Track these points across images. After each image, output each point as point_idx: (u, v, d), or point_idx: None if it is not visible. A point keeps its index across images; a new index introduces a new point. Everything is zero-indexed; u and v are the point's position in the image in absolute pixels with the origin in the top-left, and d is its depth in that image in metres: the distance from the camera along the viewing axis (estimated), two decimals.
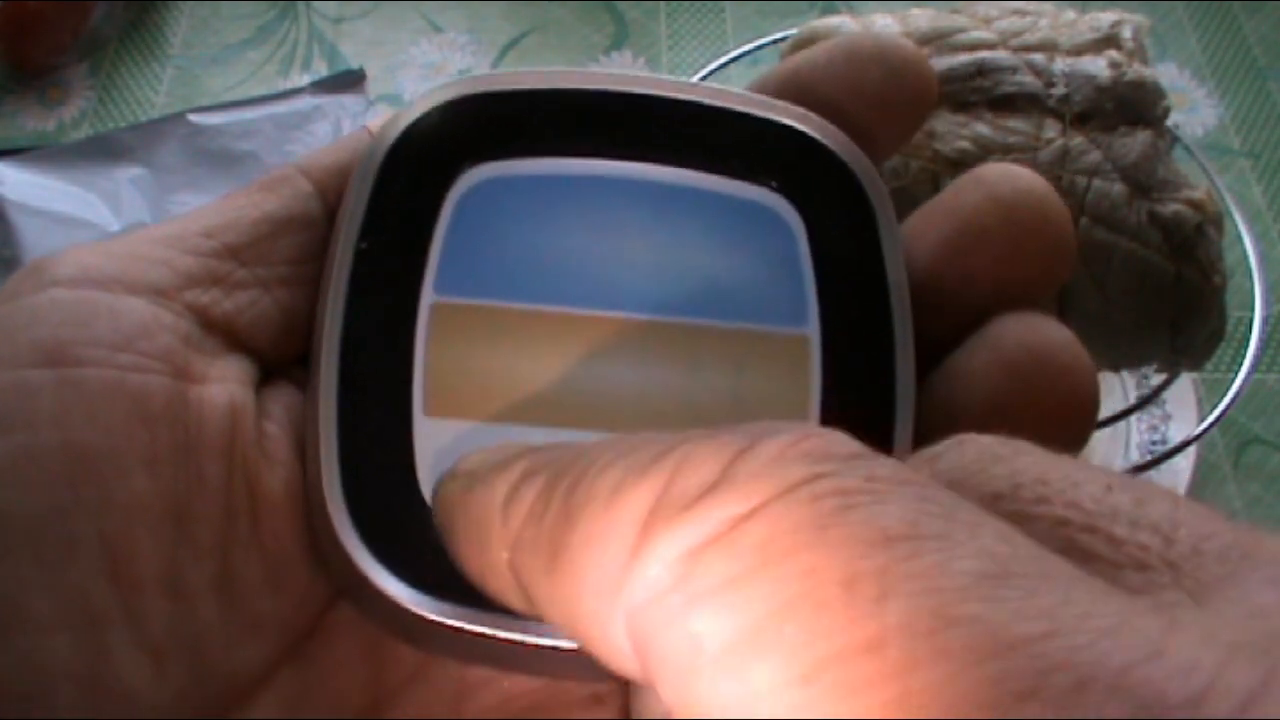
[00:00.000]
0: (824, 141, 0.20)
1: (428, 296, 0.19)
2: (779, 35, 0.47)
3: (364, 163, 0.19)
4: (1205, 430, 0.42)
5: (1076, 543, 0.12)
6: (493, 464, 0.16)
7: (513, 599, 0.15)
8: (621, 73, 0.21)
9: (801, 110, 0.20)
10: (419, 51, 0.65)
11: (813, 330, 0.20)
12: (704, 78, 0.49)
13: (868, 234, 0.20)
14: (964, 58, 0.37)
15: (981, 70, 0.37)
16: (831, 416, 0.19)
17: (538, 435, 0.19)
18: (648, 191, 0.20)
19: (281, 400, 0.19)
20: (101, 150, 0.57)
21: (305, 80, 0.62)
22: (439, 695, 0.19)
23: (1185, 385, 0.51)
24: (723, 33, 0.66)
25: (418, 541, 0.18)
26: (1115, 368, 0.40)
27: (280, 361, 0.19)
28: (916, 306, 0.19)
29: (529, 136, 0.20)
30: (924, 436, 0.19)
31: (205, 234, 0.19)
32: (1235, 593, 0.11)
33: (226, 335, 0.19)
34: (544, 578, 0.14)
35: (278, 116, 0.60)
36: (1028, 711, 0.10)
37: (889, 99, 0.21)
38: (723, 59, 0.49)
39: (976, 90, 0.37)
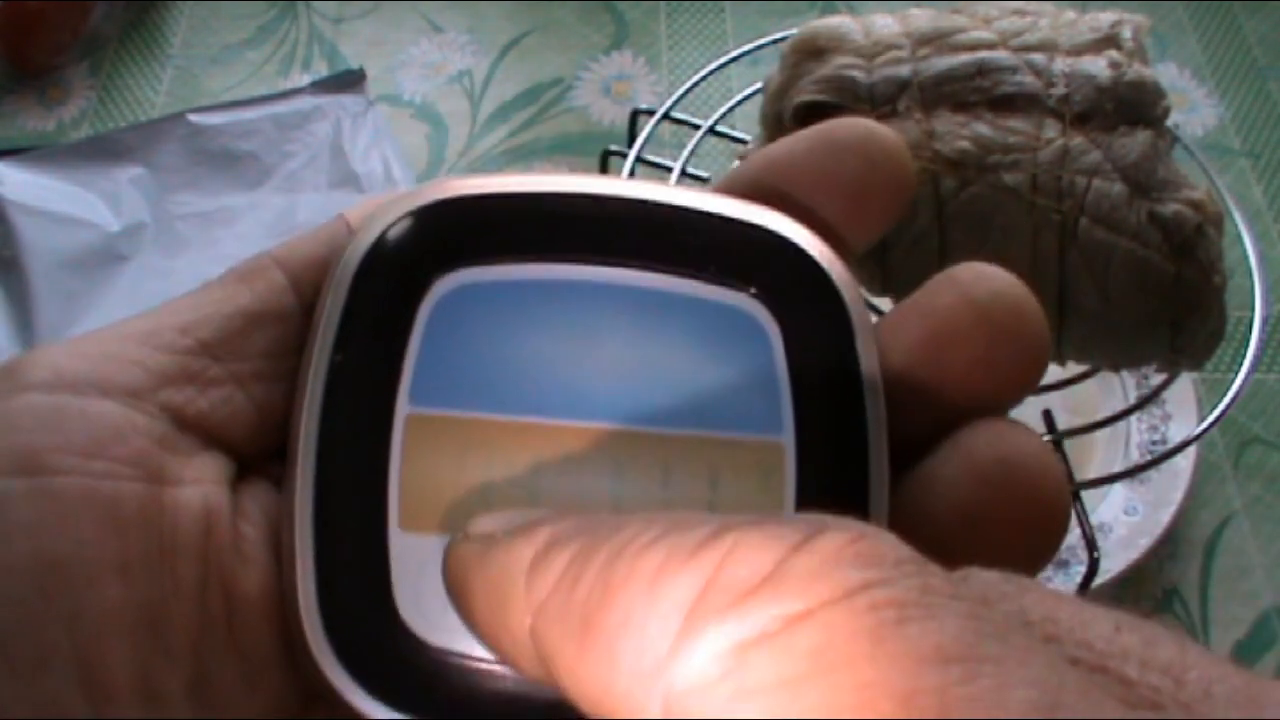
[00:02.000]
0: (800, 245, 0.20)
1: (402, 408, 0.19)
2: (779, 35, 0.47)
3: (337, 270, 0.19)
4: (1205, 430, 0.42)
5: None
6: (513, 527, 0.16)
7: (527, 665, 0.15)
8: (594, 178, 0.21)
9: (777, 214, 0.20)
10: (419, 51, 0.65)
11: (787, 437, 0.20)
12: (704, 78, 0.49)
13: (843, 339, 0.20)
14: (964, 58, 0.37)
15: (981, 70, 0.37)
16: None
17: None
18: (622, 296, 0.20)
19: (257, 499, 0.19)
20: (101, 150, 0.58)
21: (305, 80, 0.62)
22: None
23: (1185, 385, 0.51)
24: (723, 33, 0.66)
25: (393, 657, 0.18)
26: (1115, 368, 0.40)
27: (256, 457, 0.20)
28: (890, 407, 0.19)
29: (503, 242, 0.20)
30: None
31: (180, 330, 0.19)
32: None
33: (201, 433, 0.19)
34: (572, 650, 0.14)
35: (278, 116, 0.60)
36: None
37: (866, 190, 0.20)
38: (723, 59, 0.49)
39: (976, 90, 0.37)
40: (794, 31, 0.40)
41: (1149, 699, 0.12)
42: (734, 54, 0.49)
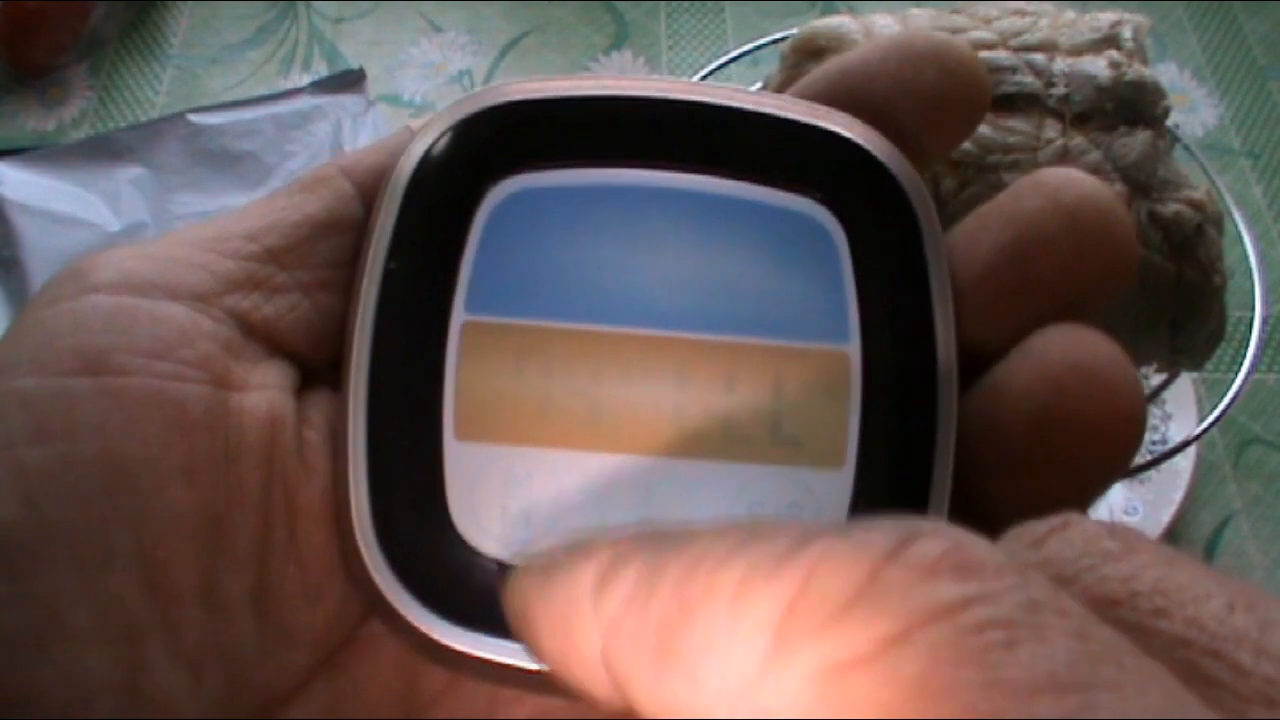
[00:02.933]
0: (869, 149, 0.19)
1: (458, 315, 0.19)
2: (779, 35, 0.47)
3: (392, 176, 0.19)
4: (1205, 430, 0.42)
5: (1199, 667, 0.11)
6: (574, 551, 0.15)
7: (601, 692, 0.14)
8: (657, 79, 0.20)
9: (847, 116, 0.19)
10: (419, 51, 0.65)
11: (853, 347, 0.19)
12: (703, 78, 0.49)
13: (912, 247, 0.19)
14: None
15: None
16: (871, 437, 0.19)
17: (571, 461, 0.19)
18: (684, 201, 0.19)
19: (321, 407, 0.19)
20: (101, 150, 0.57)
21: (305, 80, 0.62)
22: (472, 708, 0.19)
23: (1185, 385, 0.51)
24: (723, 32, 0.66)
25: (444, 568, 0.18)
26: None
27: (321, 365, 0.19)
28: (967, 314, 0.19)
29: (561, 146, 0.19)
30: (963, 454, 0.18)
31: (247, 237, 0.19)
32: None
33: (267, 340, 0.19)
34: (649, 672, 0.13)
35: (278, 116, 0.60)
36: None
37: (944, 100, 0.20)
38: (723, 59, 0.49)
39: None
40: (794, 31, 0.40)
41: (1263, 693, 0.11)
42: (734, 54, 0.49)
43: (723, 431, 0.19)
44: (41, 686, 0.16)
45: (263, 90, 0.62)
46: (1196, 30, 0.66)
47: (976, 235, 0.19)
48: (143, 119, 0.61)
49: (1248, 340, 0.42)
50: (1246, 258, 0.44)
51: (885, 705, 0.11)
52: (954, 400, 0.18)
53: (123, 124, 0.61)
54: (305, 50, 0.65)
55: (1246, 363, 0.41)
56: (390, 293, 0.18)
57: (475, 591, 0.17)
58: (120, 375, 0.17)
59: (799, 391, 0.19)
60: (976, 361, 0.19)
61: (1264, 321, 0.42)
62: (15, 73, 0.62)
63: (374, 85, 0.62)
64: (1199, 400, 0.51)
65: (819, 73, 0.21)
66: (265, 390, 0.18)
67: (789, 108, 0.19)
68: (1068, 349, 0.17)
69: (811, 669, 0.11)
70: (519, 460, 0.19)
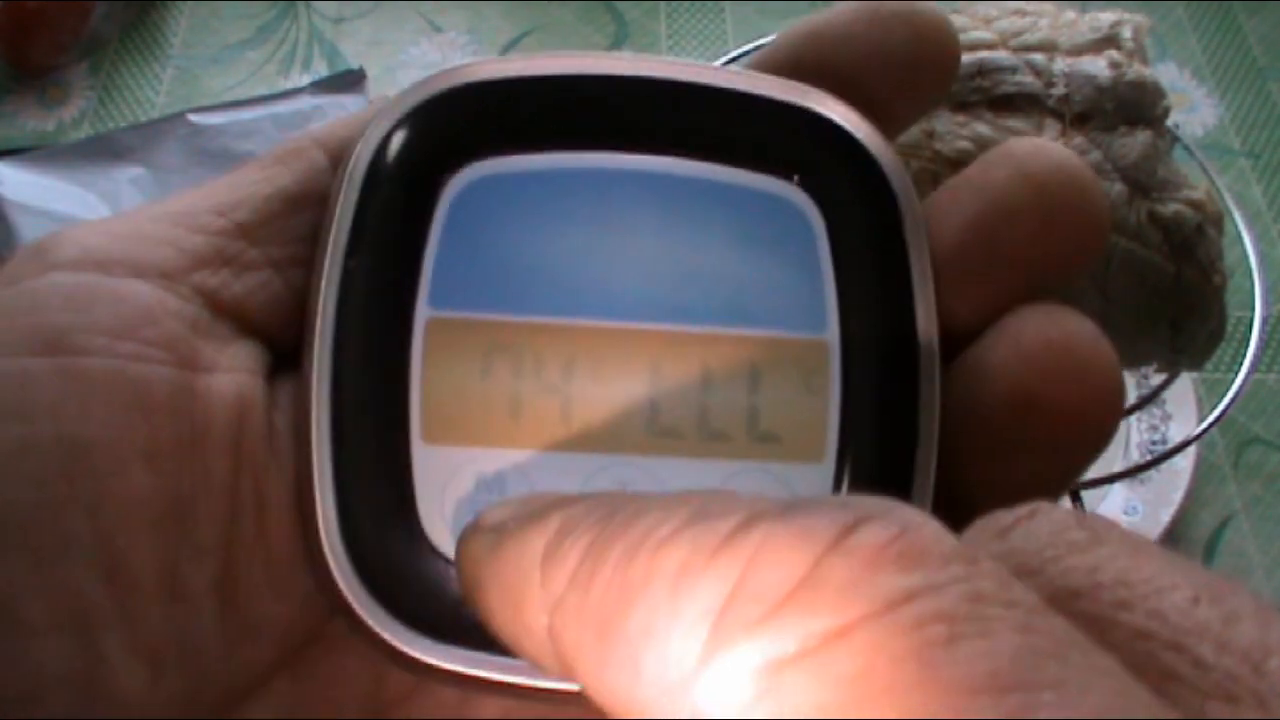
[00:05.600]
0: (847, 128, 0.18)
1: (422, 312, 0.18)
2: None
3: (347, 167, 0.18)
4: (1205, 430, 0.42)
5: (1158, 660, 0.11)
6: (523, 516, 0.14)
7: (550, 665, 0.14)
8: (623, 56, 0.19)
9: (821, 94, 0.18)
10: (419, 51, 0.65)
11: (831, 335, 0.18)
12: None
13: (891, 230, 0.18)
14: (964, 58, 0.37)
15: (981, 70, 0.37)
16: (851, 429, 0.18)
17: (543, 461, 0.18)
18: (654, 185, 0.19)
19: (292, 391, 0.18)
20: (101, 150, 0.57)
21: (305, 80, 0.62)
22: (440, 708, 0.18)
23: (1185, 385, 0.51)
24: (723, 33, 0.66)
25: (413, 575, 0.17)
26: None
27: (292, 346, 0.18)
28: (941, 287, 0.18)
29: (524, 129, 0.18)
30: (944, 433, 0.18)
31: (215, 211, 0.18)
32: None
33: (236, 320, 0.18)
34: (592, 655, 0.13)
35: (278, 116, 0.60)
36: None
37: (915, 63, 0.19)
38: (723, 59, 0.49)
39: (976, 90, 0.37)
40: (772, 38, 0.40)
41: (1224, 688, 0.10)
42: (734, 54, 0.49)
43: (698, 428, 0.18)
44: None
45: (263, 90, 0.62)
46: (1196, 30, 0.66)
47: (947, 210, 0.19)
48: (143, 119, 0.61)
49: (1248, 340, 0.42)
50: (1246, 258, 0.44)
51: (823, 705, 0.10)
52: (936, 389, 0.18)
53: (123, 124, 0.61)
54: (305, 50, 0.65)
55: (1246, 363, 0.41)
56: (350, 291, 0.18)
57: (445, 600, 0.17)
58: (80, 355, 0.16)
59: (776, 383, 0.18)
60: (952, 339, 0.18)
61: (1264, 321, 0.42)
62: (15, 73, 0.62)
63: (374, 85, 0.62)
64: (1199, 400, 0.51)
65: (786, 36, 0.20)
66: (234, 373, 0.17)
67: (762, 85, 0.19)
68: (1043, 328, 0.17)
69: (749, 665, 0.11)
70: (490, 462, 0.18)
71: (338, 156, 0.19)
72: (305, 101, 0.60)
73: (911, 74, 0.19)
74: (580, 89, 0.19)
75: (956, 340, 0.18)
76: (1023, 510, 0.12)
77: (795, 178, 0.19)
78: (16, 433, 0.16)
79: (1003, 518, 0.12)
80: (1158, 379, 0.42)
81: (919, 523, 0.11)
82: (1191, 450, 0.49)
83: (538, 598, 0.13)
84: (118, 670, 0.16)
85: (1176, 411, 0.51)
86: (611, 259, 0.18)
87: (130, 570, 0.16)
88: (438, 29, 0.66)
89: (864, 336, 0.18)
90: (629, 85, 0.19)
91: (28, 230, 0.54)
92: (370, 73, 0.62)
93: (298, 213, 0.18)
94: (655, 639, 0.12)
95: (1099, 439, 0.17)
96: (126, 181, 0.57)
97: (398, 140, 0.18)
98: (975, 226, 0.18)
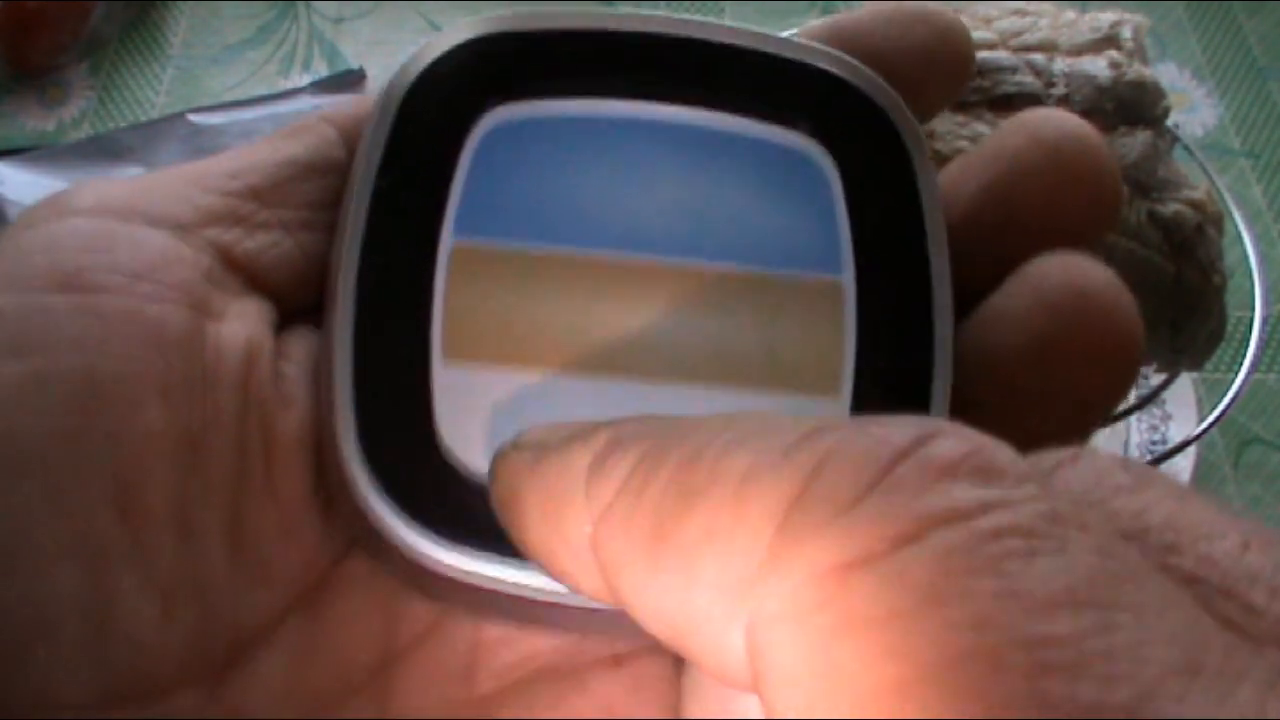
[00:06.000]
0: (859, 85, 0.19)
1: (448, 238, 0.19)
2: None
3: (384, 99, 0.19)
4: (1205, 430, 0.42)
5: (1211, 605, 0.11)
6: (568, 435, 0.14)
7: (586, 581, 0.14)
8: (651, 14, 0.20)
9: (837, 54, 0.20)
10: None
11: (847, 276, 0.19)
12: None
13: (904, 179, 0.19)
14: None
15: (981, 70, 0.37)
16: (867, 365, 0.19)
17: (561, 384, 0.18)
18: (677, 134, 0.19)
19: (300, 343, 0.19)
20: (101, 150, 0.57)
21: (305, 80, 0.62)
22: (453, 653, 0.18)
23: (1185, 385, 0.51)
24: None
25: (434, 489, 0.17)
26: None
27: (300, 305, 0.19)
28: (956, 253, 0.19)
29: (555, 77, 0.19)
30: (962, 383, 0.18)
31: (228, 174, 0.19)
32: None
33: (247, 275, 0.18)
34: (641, 563, 0.12)
35: (278, 116, 0.60)
36: None
37: (932, 60, 0.20)
38: None
39: (976, 90, 0.37)
40: (794, 31, 0.40)
41: (1276, 634, 0.10)
42: None
43: (716, 358, 0.19)
44: (6, 604, 0.15)
45: (263, 90, 0.62)
46: (1196, 30, 0.66)
47: (962, 176, 0.19)
48: (143, 119, 0.61)
49: (1248, 340, 0.42)
50: (1246, 258, 0.44)
51: (891, 609, 0.10)
52: (949, 330, 0.18)
53: (123, 124, 0.61)
54: (305, 50, 0.65)
55: (1246, 363, 0.41)
56: (379, 212, 0.18)
57: (465, 514, 0.17)
58: (98, 293, 0.16)
59: (793, 320, 0.19)
60: (967, 300, 0.18)
61: (1264, 321, 0.42)
62: (15, 73, 0.62)
63: (374, 85, 0.62)
64: (1199, 400, 0.51)
65: (807, 30, 0.21)
66: (243, 321, 0.18)
67: (781, 45, 0.20)
68: (1062, 274, 0.17)
69: (815, 568, 0.11)
70: (509, 382, 0.18)
71: (345, 129, 0.19)
72: (305, 101, 0.60)
73: (928, 72, 0.20)
74: (609, 42, 0.19)
75: (972, 297, 0.18)
76: (1066, 453, 0.12)
77: (811, 130, 0.20)
78: (35, 365, 0.16)
79: (1046, 459, 0.12)
80: (1158, 379, 0.42)
81: (994, 443, 0.11)
82: (1191, 450, 0.49)
83: (581, 509, 0.13)
84: (130, 604, 0.16)
85: (1176, 411, 0.51)
86: (634, 199, 0.19)
87: (144, 505, 0.16)
88: (438, 29, 0.66)
89: (878, 278, 0.19)
90: (657, 40, 0.19)
91: None
92: (370, 73, 0.62)
93: (307, 179, 0.19)
94: (716, 541, 0.11)
95: (1120, 387, 0.17)
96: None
97: (435, 76, 0.19)
98: (990, 188, 0.19)
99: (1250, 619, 0.10)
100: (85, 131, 0.61)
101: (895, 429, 0.11)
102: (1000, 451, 0.11)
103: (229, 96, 0.62)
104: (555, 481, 0.14)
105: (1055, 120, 0.19)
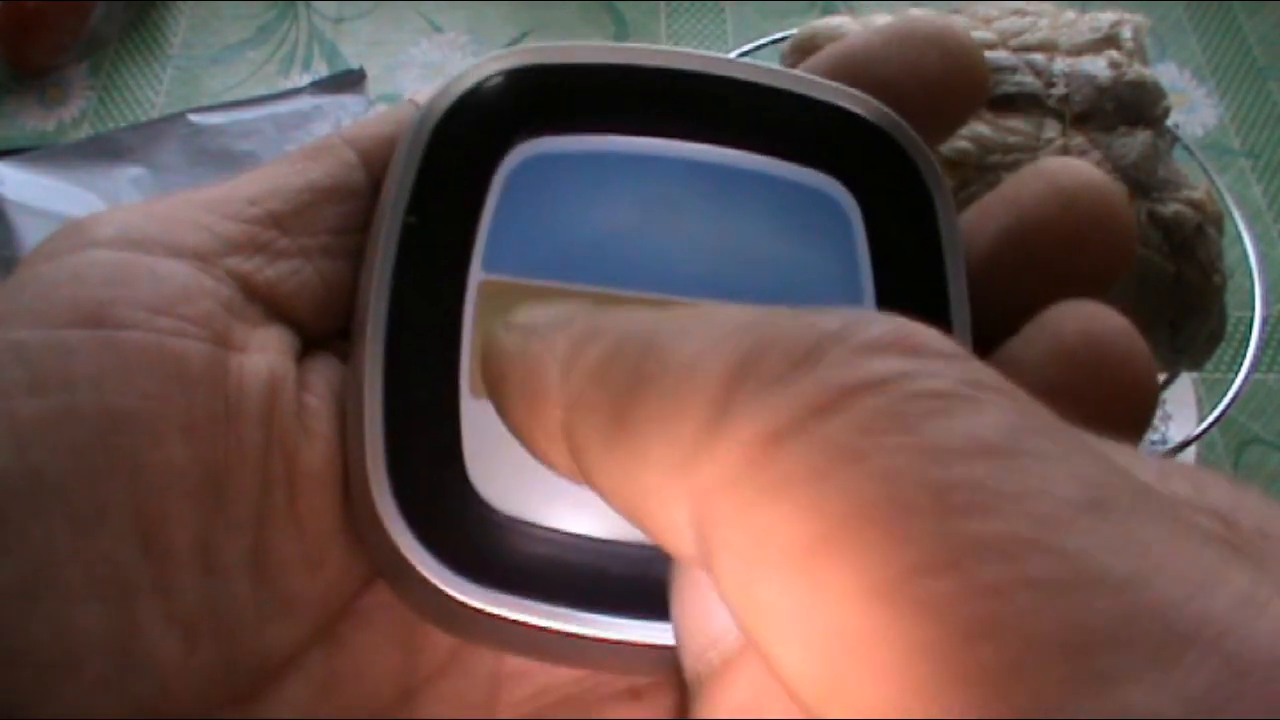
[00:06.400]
0: (882, 126, 0.20)
1: (476, 274, 0.19)
2: (779, 35, 0.47)
3: (412, 133, 0.19)
4: (1205, 430, 0.42)
5: None
6: (553, 318, 0.15)
7: (560, 462, 0.14)
8: (677, 50, 0.20)
9: (860, 94, 0.20)
10: (419, 51, 0.65)
11: None
12: None
13: (924, 219, 0.19)
14: None
15: None
16: None
17: None
18: (702, 172, 0.20)
19: (322, 372, 0.19)
20: (101, 150, 0.57)
21: (305, 80, 0.62)
22: (473, 685, 0.18)
23: (1185, 385, 0.51)
24: (723, 33, 0.66)
25: (461, 525, 0.17)
26: None
27: (321, 333, 0.19)
28: (973, 299, 0.19)
29: (582, 112, 0.20)
30: None
31: (249, 200, 0.19)
32: None
33: (268, 303, 0.18)
34: (602, 443, 0.13)
35: (278, 116, 0.60)
36: (1116, 657, 0.09)
37: (946, 84, 0.20)
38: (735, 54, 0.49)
39: None
40: (794, 31, 0.40)
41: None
42: (734, 54, 0.49)
43: None
44: (31, 643, 0.15)
45: (263, 90, 0.62)
46: (1196, 30, 0.66)
47: (980, 221, 0.19)
48: (143, 119, 0.61)
49: (1248, 340, 0.42)
50: (1246, 258, 0.44)
51: (812, 470, 0.11)
52: None
53: (123, 124, 0.61)
54: (305, 50, 0.65)
55: (1246, 363, 0.41)
56: (408, 246, 0.18)
57: (493, 550, 0.17)
58: (120, 328, 0.16)
59: None
60: (984, 342, 0.19)
61: (1264, 321, 0.42)
62: (15, 73, 0.62)
63: (374, 85, 0.62)
64: (1199, 400, 0.51)
65: (821, 57, 0.21)
66: (265, 353, 0.18)
67: (806, 85, 0.20)
68: (1079, 322, 0.18)
69: (747, 438, 0.11)
70: None
71: (365, 152, 0.19)
72: (305, 101, 0.60)
73: (942, 95, 0.20)
74: (635, 79, 0.20)
75: (990, 339, 0.19)
76: None
77: (834, 171, 0.20)
78: (58, 402, 0.16)
79: None
80: (1158, 379, 0.42)
81: (925, 329, 0.12)
82: (1191, 450, 0.49)
83: (556, 395, 0.14)
84: (154, 639, 0.16)
85: (1176, 411, 0.51)
86: (657, 237, 0.19)
87: (167, 540, 0.16)
88: (438, 29, 0.66)
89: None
90: (681, 78, 0.20)
91: (28, 230, 0.54)
92: (370, 73, 0.62)
93: (328, 204, 0.19)
94: (661, 422, 0.12)
95: (1135, 432, 0.18)
96: (127, 181, 0.57)
97: (464, 109, 0.19)
98: (1008, 236, 0.19)
99: None
100: (85, 131, 0.61)
101: (828, 315, 0.12)
102: (928, 333, 0.12)
103: (229, 96, 0.62)
104: (536, 366, 0.14)
105: (1074, 170, 0.19)
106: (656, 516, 0.12)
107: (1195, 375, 0.52)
